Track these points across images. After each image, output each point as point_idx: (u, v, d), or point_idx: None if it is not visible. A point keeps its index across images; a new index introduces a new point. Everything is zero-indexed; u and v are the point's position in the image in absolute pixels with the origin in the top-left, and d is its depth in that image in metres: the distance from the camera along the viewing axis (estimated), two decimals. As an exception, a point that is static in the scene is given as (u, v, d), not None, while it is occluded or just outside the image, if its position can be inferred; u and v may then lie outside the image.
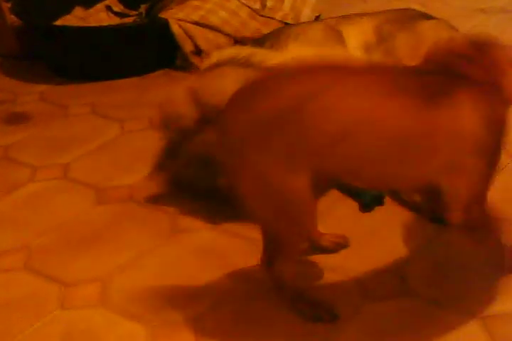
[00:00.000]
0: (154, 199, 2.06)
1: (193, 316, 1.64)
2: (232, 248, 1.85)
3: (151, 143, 2.26)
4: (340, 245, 1.79)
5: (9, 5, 3.01)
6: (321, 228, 1.80)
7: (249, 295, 1.69)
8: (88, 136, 2.44)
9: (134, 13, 3.17)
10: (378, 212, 1.94)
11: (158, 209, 2.02)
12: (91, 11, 3.18)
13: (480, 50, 1.41)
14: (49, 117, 2.60)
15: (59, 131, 2.50)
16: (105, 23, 3.10)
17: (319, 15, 2.95)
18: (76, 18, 3.12)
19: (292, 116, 1.34)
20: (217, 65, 1.94)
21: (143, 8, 3.14)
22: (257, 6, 2.92)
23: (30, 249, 1.91)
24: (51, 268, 1.84)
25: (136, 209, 2.04)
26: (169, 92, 2.06)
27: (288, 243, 1.51)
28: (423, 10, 2.41)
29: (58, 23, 3.04)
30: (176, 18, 2.80)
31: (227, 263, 1.80)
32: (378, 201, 1.96)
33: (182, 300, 1.69)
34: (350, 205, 1.97)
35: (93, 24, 3.08)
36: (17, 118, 2.62)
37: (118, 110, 2.55)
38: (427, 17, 2.17)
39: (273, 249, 1.54)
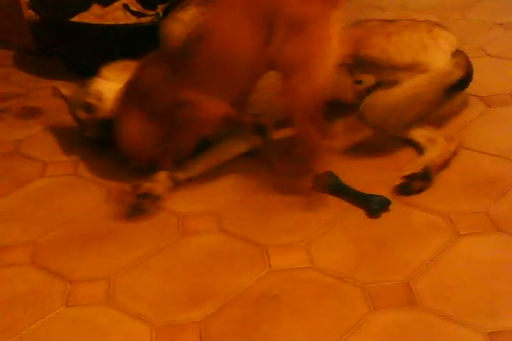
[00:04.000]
0: (163, 200, 2.05)
1: (198, 318, 1.63)
2: (239, 251, 1.84)
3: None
4: None
5: (27, 0, 3.02)
6: (329, 238, 1.85)
7: (256, 299, 1.68)
8: (100, 133, 2.43)
9: (151, 12, 3.17)
10: (387, 221, 1.92)
11: (166, 210, 2.02)
12: (108, 9, 3.18)
13: None
14: (61, 113, 2.59)
15: (71, 127, 2.49)
16: (122, 22, 3.10)
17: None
18: (93, 15, 3.12)
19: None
20: None
21: (160, 8, 3.14)
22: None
23: (37, 245, 1.91)
24: (57, 264, 1.83)
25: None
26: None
27: None
28: (440, 22, 2.42)
29: (75, 19, 3.04)
30: (193, 20, 2.80)
31: (234, 266, 1.79)
32: (385, 207, 1.96)
33: (188, 301, 1.69)
34: (358, 215, 1.96)
35: (110, 22, 3.08)
36: (29, 113, 2.62)
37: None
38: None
39: None
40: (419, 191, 2.01)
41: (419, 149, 2.18)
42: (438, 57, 2.16)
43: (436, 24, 2.29)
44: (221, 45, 1.91)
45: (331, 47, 1.90)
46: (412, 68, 2.12)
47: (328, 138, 2.03)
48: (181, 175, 2.10)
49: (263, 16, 1.88)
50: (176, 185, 2.07)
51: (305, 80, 1.89)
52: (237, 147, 2.21)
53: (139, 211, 1.99)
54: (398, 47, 2.16)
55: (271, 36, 1.88)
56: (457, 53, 2.21)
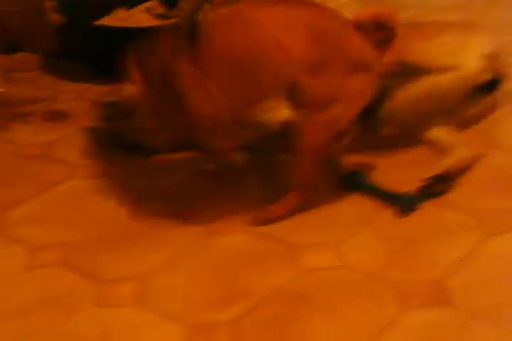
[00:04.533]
0: (192, 201, 2.06)
1: (229, 318, 1.63)
2: (269, 251, 1.85)
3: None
4: None
5: (52, 3, 3.04)
6: (359, 237, 1.85)
7: (287, 298, 1.68)
8: (127, 136, 2.44)
9: (174, 15, 3.18)
10: (417, 220, 1.92)
11: (195, 211, 2.03)
12: (132, 12, 3.19)
13: None
14: (88, 116, 2.61)
15: (98, 130, 2.50)
16: (145, 25, 3.11)
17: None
18: (117, 18, 3.13)
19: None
20: None
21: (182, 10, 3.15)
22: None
23: (68, 246, 1.92)
24: (88, 265, 1.85)
25: (174, 210, 2.04)
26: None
27: None
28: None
29: (99, 22, 3.06)
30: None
31: (265, 266, 1.80)
32: (414, 205, 1.95)
33: (219, 301, 1.69)
34: (387, 214, 1.95)
35: (133, 25, 3.09)
36: (57, 116, 2.64)
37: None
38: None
39: None
40: (440, 194, 2.00)
41: (441, 151, 2.17)
42: (471, 59, 2.15)
43: (469, 25, 2.28)
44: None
45: (365, 97, 1.87)
46: (447, 70, 2.12)
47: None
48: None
49: (324, 40, 1.82)
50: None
51: (327, 123, 1.86)
52: None
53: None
54: (437, 50, 2.16)
55: (320, 64, 1.81)
56: (491, 56, 2.20)
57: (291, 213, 1.95)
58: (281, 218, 1.95)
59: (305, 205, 1.97)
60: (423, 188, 2.00)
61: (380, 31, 1.84)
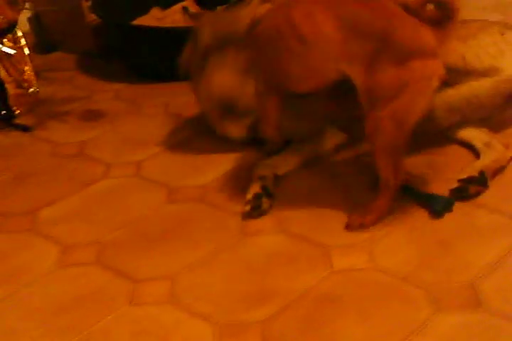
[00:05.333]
0: (225, 201, 2.07)
1: (260, 318, 1.64)
2: (300, 252, 1.85)
3: (223, 144, 2.29)
4: None
5: (89, 3, 3.07)
6: (391, 239, 1.85)
7: (318, 299, 1.68)
8: (161, 135, 2.46)
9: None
10: (450, 222, 1.91)
11: (228, 211, 2.03)
12: (167, 11, 3.21)
13: None
14: (123, 115, 2.64)
15: (133, 129, 2.53)
16: (181, 25, 3.12)
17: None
18: (153, 18, 3.15)
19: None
20: None
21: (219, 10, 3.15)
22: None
23: (101, 244, 1.94)
24: (121, 263, 1.86)
25: (207, 210, 2.05)
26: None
27: None
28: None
29: (135, 22, 3.08)
30: (252, 21, 2.81)
31: (296, 266, 1.80)
32: (448, 207, 1.94)
33: (250, 301, 1.69)
34: (420, 215, 1.94)
35: (169, 25, 3.11)
36: (92, 116, 2.66)
37: (191, 110, 2.56)
38: None
39: None
40: (475, 195, 1.98)
41: (476, 153, 2.15)
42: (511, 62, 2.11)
43: (509, 26, 2.23)
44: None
45: (430, 86, 1.80)
46: (487, 73, 2.09)
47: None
48: (281, 170, 2.14)
49: (368, 34, 1.76)
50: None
51: (395, 116, 1.79)
52: (323, 144, 2.21)
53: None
54: (475, 52, 2.11)
55: (371, 58, 1.77)
56: None
57: (384, 214, 1.91)
58: (376, 221, 1.90)
59: (337, 205, 1.97)
60: (458, 189, 1.98)
61: (438, 10, 1.74)
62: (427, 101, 1.82)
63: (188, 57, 2.27)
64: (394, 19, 1.76)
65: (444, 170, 2.10)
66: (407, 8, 1.77)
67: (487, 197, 1.98)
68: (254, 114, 2.17)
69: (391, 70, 1.75)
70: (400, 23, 1.76)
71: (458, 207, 1.94)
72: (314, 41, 1.82)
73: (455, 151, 2.19)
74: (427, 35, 1.75)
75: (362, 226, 1.89)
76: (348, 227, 1.90)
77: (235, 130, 2.26)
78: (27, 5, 2.81)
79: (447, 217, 1.92)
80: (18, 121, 2.62)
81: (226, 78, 2.20)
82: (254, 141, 2.25)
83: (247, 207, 1.99)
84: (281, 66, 1.91)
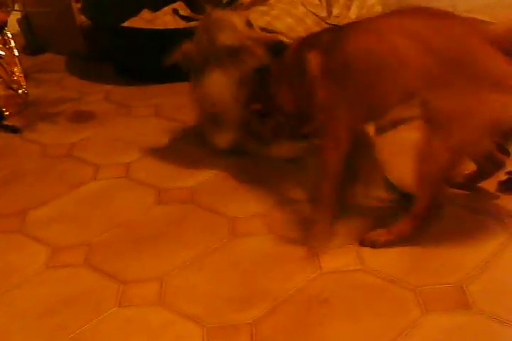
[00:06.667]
0: (214, 203, 2.07)
1: (250, 320, 1.64)
2: (289, 253, 1.85)
3: (212, 146, 2.29)
4: None
5: (78, 5, 3.06)
6: None
7: (307, 301, 1.68)
8: (151, 137, 2.46)
9: (201, 17, 3.19)
10: (438, 223, 1.90)
11: (217, 212, 2.03)
12: (158, 13, 3.21)
13: None
14: (113, 117, 2.64)
15: (122, 131, 2.53)
16: (171, 26, 3.12)
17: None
18: (143, 20, 3.15)
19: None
20: None
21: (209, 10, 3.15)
22: (324, 13, 2.91)
23: (90, 246, 1.94)
24: (110, 265, 1.86)
25: (196, 211, 2.05)
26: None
27: None
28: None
29: (126, 24, 3.08)
30: (242, 24, 2.81)
31: (285, 268, 1.80)
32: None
33: (239, 302, 1.69)
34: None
35: (159, 27, 3.11)
36: (82, 117, 2.66)
37: (181, 112, 2.57)
38: None
39: None
40: None
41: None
42: None
43: None
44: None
45: (503, 124, 1.66)
46: None
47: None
48: None
49: (448, 57, 1.64)
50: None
51: (455, 148, 1.68)
52: None
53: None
54: None
55: (449, 83, 1.65)
56: None
57: (402, 240, 1.84)
58: (391, 244, 1.83)
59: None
60: (505, 182, 1.99)
61: None
62: (491, 139, 1.71)
63: (189, 55, 2.25)
64: (482, 45, 1.64)
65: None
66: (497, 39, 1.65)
67: (475, 199, 1.99)
68: (238, 129, 2.18)
69: (460, 96, 1.64)
70: (486, 52, 1.63)
71: (446, 209, 1.94)
72: (406, 64, 1.69)
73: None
74: (510, 71, 1.63)
75: (373, 245, 1.85)
76: (360, 243, 1.85)
77: (220, 139, 2.27)
78: (16, 6, 2.81)
79: (435, 219, 1.92)
80: (7, 122, 2.62)
81: (221, 89, 2.19)
82: (237, 152, 2.26)
83: None
84: (374, 83, 1.76)
